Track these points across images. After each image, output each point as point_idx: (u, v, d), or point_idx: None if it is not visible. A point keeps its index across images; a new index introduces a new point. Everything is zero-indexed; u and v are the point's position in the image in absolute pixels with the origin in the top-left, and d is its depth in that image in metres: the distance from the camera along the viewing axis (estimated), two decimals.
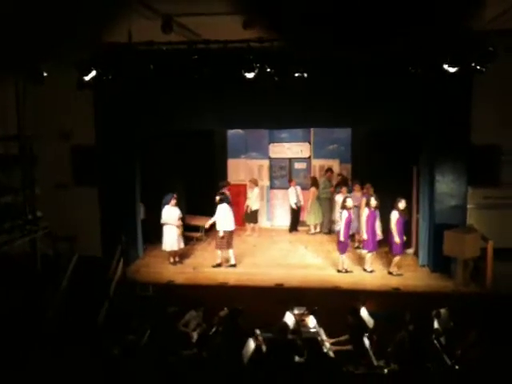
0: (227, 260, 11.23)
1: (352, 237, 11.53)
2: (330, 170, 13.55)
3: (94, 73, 7.49)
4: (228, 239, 11.05)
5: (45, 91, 9.97)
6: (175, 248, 11.31)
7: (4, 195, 8.53)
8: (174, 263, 11.39)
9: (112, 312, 9.46)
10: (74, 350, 8.17)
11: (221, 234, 10.97)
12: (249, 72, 7.32)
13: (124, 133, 10.86)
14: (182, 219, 11.58)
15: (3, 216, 8.48)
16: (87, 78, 7.54)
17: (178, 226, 11.25)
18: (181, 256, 11.55)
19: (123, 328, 8.39)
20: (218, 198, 11.27)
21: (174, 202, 11.24)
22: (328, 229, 13.43)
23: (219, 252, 11.16)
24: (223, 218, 11.02)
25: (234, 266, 11.13)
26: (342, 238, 10.53)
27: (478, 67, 7.20)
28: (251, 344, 7.59)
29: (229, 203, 11.22)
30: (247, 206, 13.34)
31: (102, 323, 9.26)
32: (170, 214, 11.17)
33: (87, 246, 10.69)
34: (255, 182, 13.50)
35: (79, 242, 10.61)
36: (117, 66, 7.48)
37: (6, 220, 8.54)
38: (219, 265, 11.14)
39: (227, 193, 11.93)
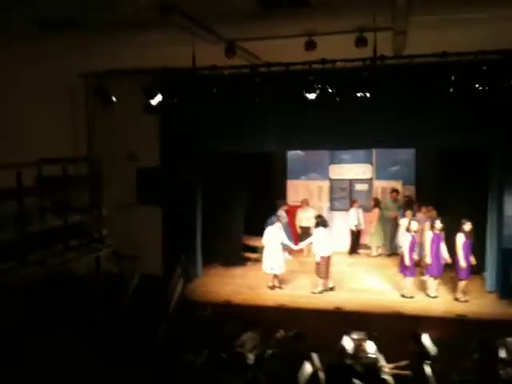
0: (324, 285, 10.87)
1: (418, 262, 11.20)
2: (395, 190, 13.29)
3: (159, 97, 7.73)
4: (326, 265, 10.70)
5: (114, 115, 10.41)
6: (277, 272, 11.07)
7: (73, 215, 8.88)
8: (273, 288, 11.06)
9: (171, 331, 9.59)
10: (134, 366, 8.33)
11: (317, 259, 10.64)
12: (310, 93, 7.34)
13: (188, 154, 11.12)
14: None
15: (71, 234, 8.83)
16: (154, 103, 7.79)
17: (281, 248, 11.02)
18: (281, 281, 11.24)
19: (181, 347, 8.48)
20: (315, 221, 11.05)
21: (278, 223, 11.14)
22: (390, 251, 13.11)
23: (320, 280, 10.76)
24: (319, 242, 10.71)
25: (332, 289, 10.82)
26: (406, 262, 10.23)
27: None
28: (308, 368, 7.49)
29: (326, 227, 10.87)
30: (301, 227, 13.22)
31: (161, 342, 9.39)
32: (273, 235, 11.01)
33: (149, 264, 10.90)
34: (307, 203, 13.40)
35: (142, 260, 10.85)
36: (181, 90, 7.69)
37: (73, 238, 8.88)
38: (321, 292, 10.75)
39: (324, 216, 11.57)
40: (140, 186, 11.67)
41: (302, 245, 11.45)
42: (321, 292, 10.75)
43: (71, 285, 9.28)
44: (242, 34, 7.12)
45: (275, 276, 11.08)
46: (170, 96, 7.74)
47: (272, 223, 11.18)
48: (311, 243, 11.08)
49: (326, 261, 10.71)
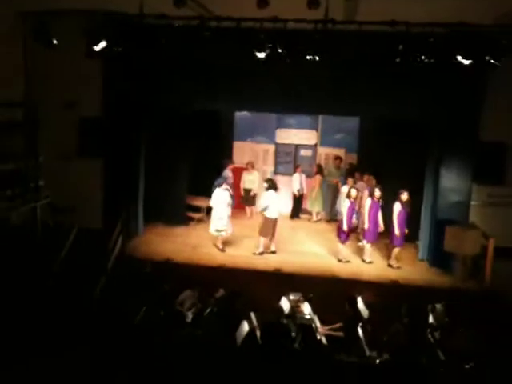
0: (267, 247, 11.04)
1: (355, 228, 11.50)
2: (338, 157, 13.48)
3: (103, 43, 7.39)
4: (272, 227, 10.82)
5: (54, 59, 9.90)
6: (223, 233, 11.09)
7: (6, 162, 8.47)
8: (219, 248, 11.11)
9: (109, 287, 9.48)
10: (69, 321, 8.20)
11: (266, 219, 10.73)
12: (260, 52, 7.22)
13: (131, 106, 10.77)
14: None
15: (4, 183, 8.45)
16: (97, 49, 7.44)
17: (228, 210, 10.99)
18: (224, 243, 11.23)
19: (119, 305, 8.40)
20: (265, 184, 11.06)
21: (225, 185, 11.07)
22: (330, 217, 13.39)
23: (262, 239, 10.93)
24: (269, 204, 10.79)
25: (274, 252, 10.98)
26: (344, 227, 10.50)
27: (492, 61, 7.08)
28: (245, 326, 7.60)
29: (276, 190, 10.94)
30: (245, 190, 13.30)
31: (99, 297, 9.28)
32: (221, 197, 10.96)
33: (88, 218, 10.65)
34: (252, 165, 13.43)
35: (80, 214, 10.58)
36: (127, 38, 7.38)
37: (7, 187, 8.50)
38: (261, 253, 10.93)
39: (274, 180, 11.60)
40: (81, 137, 11.25)
41: (260, 209, 11.42)
42: (261, 253, 10.89)
43: (5, 236, 8.96)
44: None
45: (220, 237, 11.11)
46: (115, 43, 7.41)
47: (220, 185, 11.13)
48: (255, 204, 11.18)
49: (273, 223, 10.84)
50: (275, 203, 10.85)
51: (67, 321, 8.23)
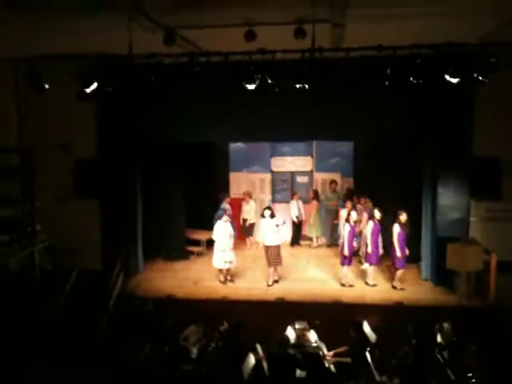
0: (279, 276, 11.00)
1: (356, 251, 11.47)
2: (334, 181, 13.53)
3: (95, 84, 7.48)
4: (277, 254, 10.77)
5: (47, 103, 10.02)
6: (228, 266, 10.98)
7: (3, 207, 8.48)
8: (225, 282, 11.00)
9: (111, 327, 9.38)
10: (72, 365, 8.10)
11: (271, 247, 10.70)
12: (250, 83, 7.32)
13: (125, 145, 10.88)
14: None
15: (2, 229, 8.44)
16: (88, 90, 7.53)
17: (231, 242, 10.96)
18: (232, 275, 11.23)
19: (122, 343, 8.30)
20: (264, 212, 11.02)
21: (226, 217, 11.04)
22: (331, 242, 13.34)
23: (271, 270, 10.84)
24: (268, 232, 10.77)
25: (276, 281, 10.91)
26: (346, 252, 10.46)
27: (480, 78, 7.19)
28: (251, 359, 7.51)
29: (273, 217, 10.85)
30: (244, 220, 13.29)
31: (101, 338, 9.17)
32: (223, 230, 10.91)
33: (87, 259, 10.63)
34: (249, 195, 13.44)
35: (79, 255, 10.53)
36: (117, 78, 7.48)
37: (4, 233, 8.49)
38: (276, 281, 10.89)
39: (271, 207, 11.53)
40: (76, 178, 11.28)
41: (258, 238, 11.40)
42: (272, 284, 10.80)
43: (4, 282, 8.89)
44: (181, 22, 7.00)
45: (227, 270, 11.03)
46: (106, 84, 7.50)
47: (220, 217, 11.11)
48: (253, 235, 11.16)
49: (277, 250, 10.79)
50: (274, 230, 10.80)
51: (71, 363, 8.12)
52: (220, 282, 11.01)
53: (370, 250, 10.56)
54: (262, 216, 10.98)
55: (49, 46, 7.60)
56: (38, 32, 7.50)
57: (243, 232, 13.38)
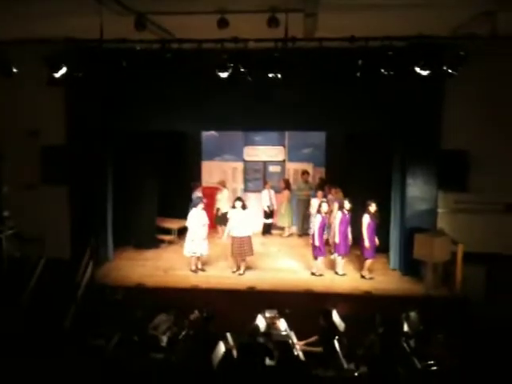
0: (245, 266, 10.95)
1: (327, 241, 11.58)
2: (306, 172, 13.58)
3: (64, 69, 7.32)
4: (248, 244, 10.75)
5: (15, 88, 9.78)
6: (199, 254, 10.96)
7: None
8: (196, 271, 10.95)
9: (80, 316, 9.28)
10: (39, 354, 8.00)
11: (243, 238, 10.67)
12: (222, 72, 7.28)
13: (96, 132, 10.69)
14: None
15: None
16: (57, 75, 7.36)
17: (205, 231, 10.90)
18: (204, 263, 11.16)
19: (91, 332, 8.23)
20: (234, 203, 10.99)
21: (202, 205, 10.96)
22: (302, 231, 13.42)
23: (243, 262, 10.84)
24: (238, 223, 10.71)
25: (241, 274, 10.85)
26: (316, 242, 10.53)
27: (450, 70, 7.29)
28: (221, 347, 7.53)
29: (244, 208, 10.84)
30: (217, 209, 13.25)
31: (69, 327, 9.07)
32: (197, 218, 10.84)
33: (56, 247, 10.45)
34: (223, 184, 13.40)
35: (48, 243, 10.34)
36: (88, 63, 7.34)
37: None
38: (242, 273, 10.84)
39: (242, 198, 11.42)
40: (45, 165, 11.06)
41: (226, 233, 11.38)
42: (242, 274, 10.81)
43: None
44: (153, 8, 6.90)
45: (198, 258, 11.00)
46: (76, 69, 7.35)
47: (195, 205, 11.04)
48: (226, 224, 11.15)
49: (247, 240, 10.77)
50: (244, 221, 10.78)
51: (39, 352, 8.02)
52: (191, 270, 10.98)
53: (337, 240, 10.66)
54: (233, 207, 10.95)
55: (18, 31, 7.41)
56: (6, 16, 7.31)
57: (216, 221, 13.35)
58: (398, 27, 7.15)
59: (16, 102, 10.67)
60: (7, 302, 9.12)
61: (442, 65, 7.35)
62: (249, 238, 10.80)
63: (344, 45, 7.26)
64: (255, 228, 13.24)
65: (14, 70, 7.50)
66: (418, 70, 7.31)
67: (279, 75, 7.45)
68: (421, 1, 6.84)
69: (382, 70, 7.51)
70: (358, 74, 7.60)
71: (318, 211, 10.70)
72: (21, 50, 7.51)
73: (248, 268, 11.03)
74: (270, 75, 7.43)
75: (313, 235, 10.70)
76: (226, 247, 11.61)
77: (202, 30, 7.01)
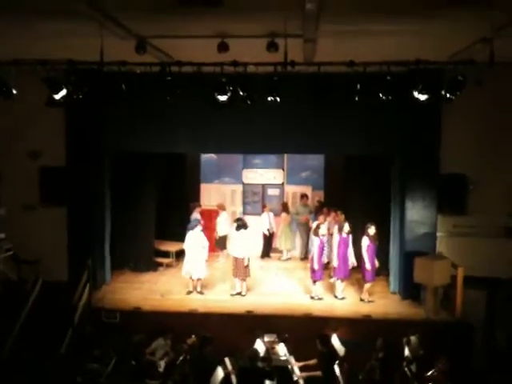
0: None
1: (327, 264, 11.52)
2: (305, 195, 13.58)
3: (64, 91, 7.36)
4: (246, 266, 10.66)
5: (15, 109, 9.82)
6: (197, 276, 10.86)
7: None
8: (190, 293, 10.86)
9: (76, 339, 9.17)
10: (36, 378, 7.88)
11: (246, 262, 10.59)
12: (221, 95, 7.32)
13: (95, 153, 10.71)
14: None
15: None
16: (57, 97, 7.41)
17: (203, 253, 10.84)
18: (202, 287, 11.04)
19: (87, 356, 8.12)
20: (235, 224, 11.00)
21: (200, 227, 10.94)
22: (304, 255, 13.34)
23: (244, 283, 10.79)
24: (239, 244, 10.68)
25: (243, 295, 10.79)
26: (315, 266, 10.46)
27: (448, 95, 7.35)
28: (220, 372, 7.44)
29: (246, 229, 10.85)
30: (216, 232, 13.21)
31: (65, 351, 8.95)
32: (195, 240, 10.79)
33: (53, 270, 10.39)
34: (222, 207, 13.38)
35: (45, 265, 10.30)
36: (87, 85, 7.38)
37: None
38: (239, 293, 10.77)
39: (244, 219, 11.54)
40: (43, 186, 11.05)
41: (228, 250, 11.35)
42: (244, 295, 10.74)
43: None
44: (154, 31, 6.97)
45: (197, 280, 10.93)
46: (76, 90, 7.40)
47: (193, 227, 11.00)
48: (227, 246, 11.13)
49: (247, 262, 10.69)
50: (245, 242, 10.73)
51: (35, 376, 7.90)
52: (187, 292, 10.90)
53: (336, 264, 10.59)
54: (236, 228, 10.91)
55: (17, 51, 7.45)
56: (6, 36, 7.37)
57: (216, 244, 13.27)
58: (396, 52, 7.21)
59: (15, 123, 10.72)
60: (3, 326, 9.00)
61: (441, 89, 7.40)
62: (248, 258, 10.73)
63: (343, 69, 7.31)
64: (255, 251, 13.23)
65: (14, 92, 7.53)
66: (416, 94, 7.36)
67: (278, 99, 7.49)
68: (418, 28, 6.93)
69: (381, 95, 7.55)
70: (357, 99, 7.64)
71: (316, 234, 10.66)
72: (21, 71, 7.54)
73: (248, 291, 10.93)
74: (269, 99, 7.47)
75: (311, 258, 10.64)
76: (225, 270, 11.55)
77: (201, 54, 7.07)
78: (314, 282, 10.65)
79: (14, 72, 7.34)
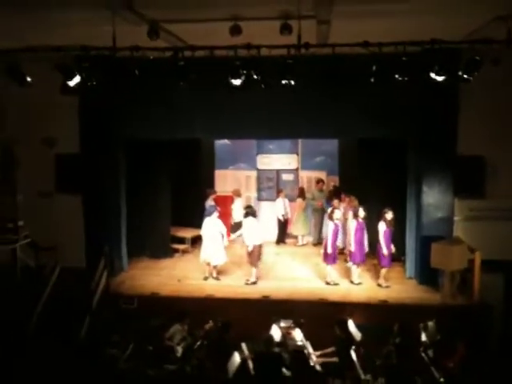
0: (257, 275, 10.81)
1: (341, 250, 11.46)
2: (321, 180, 13.50)
3: (78, 78, 7.36)
4: (258, 253, 10.68)
5: (30, 96, 9.86)
6: (216, 263, 10.90)
7: None
8: (207, 278, 10.92)
9: (94, 325, 9.26)
10: (55, 364, 7.98)
11: (250, 248, 10.58)
12: (235, 79, 7.26)
13: (109, 140, 10.74)
14: None
15: None
16: (71, 84, 7.41)
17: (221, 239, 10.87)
18: (219, 272, 11.08)
19: (105, 342, 8.20)
20: (244, 211, 11.02)
21: (217, 214, 10.96)
22: (317, 240, 13.30)
23: (254, 269, 10.73)
24: (251, 231, 10.65)
25: (254, 283, 10.72)
26: (329, 250, 10.43)
27: (465, 76, 7.21)
28: (237, 358, 7.46)
29: (255, 216, 10.87)
30: (233, 218, 13.22)
31: (84, 337, 9.05)
32: (212, 227, 10.82)
33: (70, 256, 10.47)
34: (238, 193, 13.35)
35: (62, 252, 10.38)
36: (101, 71, 7.37)
37: None
38: (254, 283, 10.70)
39: (253, 206, 11.55)
40: (59, 174, 11.12)
41: (233, 236, 11.42)
42: (255, 282, 10.70)
43: None
44: (166, 16, 6.92)
45: (214, 267, 10.96)
46: (89, 77, 7.39)
47: (210, 214, 11.01)
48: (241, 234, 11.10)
49: (258, 250, 10.69)
50: (255, 230, 10.71)
51: (54, 362, 8.00)
52: (204, 278, 10.95)
53: (353, 249, 10.54)
54: (245, 215, 10.90)
55: (32, 39, 7.47)
56: (21, 25, 7.39)
57: (232, 230, 13.28)
58: (411, 33, 7.09)
59: (30, 111, 10.78)
60: (22, 312, 9.12)
61: (458, 70, 7.27)
62: (260, 246, 10.72)
63: (357, 51, 7.21)
64: (269, 237, 13.22)
65: (28, 79, 7.55)
66: (432, 75, 7.23)
67: (292, 82, 7.41)
68: (434, 7, 6.78)
69: (396, 76, 7.43)
70: (372, 80, 7.53)
71: (330, 218, 10.60)
72: (35, 59, 7.55)
73: (262, 277, 10.93)
74: (283, 82, 7.39)
75: (325, 242, 10.59)
76: (240, 256, 11.56)
77: (214, 38, 7.01)
78: (328, 265, 10.61)
79: (29, 59, 7.34)
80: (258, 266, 10.85)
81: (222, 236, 10.92)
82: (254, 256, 10.65)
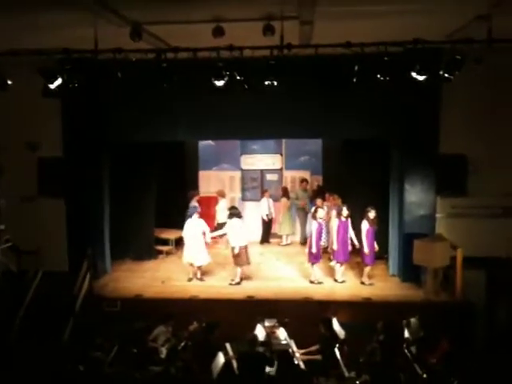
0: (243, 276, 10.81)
1: (325, 249, 11.52)
2: (305, 180, 13.55)
3: (59, 81, 7.30)
4: (245, 254, 10.66)
5: (11, 100, 9.75)
6: (199, 264, 10.89)
7: None
8: (191, 279, 10.90)
9: (78, 329, 9.19)
10: (39, 368, 7.91)
11: (236, 250, 10.55)
12: (218, 80, 7.26)
13: (92, 143, 10.65)
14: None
15: None
16: (53, 86, 7.34)
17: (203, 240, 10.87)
18: (203, 273, 11.06)
19: (89, 345, 8.14)
20: (228, 212, 11.02)
21: (197, 215, 10.95)
22: (303, 239, 13.35)
23: (239, 269, 10.72)
24: (236, 232, 10.63)
25: (238, 283, 10.71)
26: (313, 249, 10.48)
27: (446, 75, 7.30)
28: (221, 358, 7.47)
29: (240, 217, 10.87)
30: (216, 219, 13.19)
31: (67, 340, 8.98)
32: (193, 228, 10.81)
33: (53, 260, 10.40)
34: (222, 194, 13.35)
35: (44, 256, 10.28)
36: (83, 73, 7.31)
37: None
38: (238, 283, 10.69)
39: (238, 207, 11.54)
40: (41, 177, 11.01)
41: (213, 234, 11.41)
42: (239, 283, 10.71)
43: None
44: (149, 18, 6.89)
45: (198, 268, 10.94)
46: (71, 79, 7.33)
47: (191, 215, 11.00)
48: (225, 234, 11.09)
49: (244, 250, 10.69)
50: (240, 230, 10.70)
51: (36, 365, 7.93)
52: (188, 279, 10.94)
53: (335, 247, 10.61)
54: (229, 217, 10.90)
55: (13, 42, 7.39)
56: (2, 27, 7.29)
57: (215, 231, 13.23)
58: (393, 33, 7.15)
59: (12, 114, 10.65)
60: (4, 318, 9.02)
61: (439, 69, 7.35)
62: (245, 247, 10.72)
63: (340, 51, 7.25)
64: (253, 237, 13.22)
65: (9, 83, 7.46)
66: (414, 75, 7.30)
67: (275, 83, 7.43)
68: (415, 7, 6.85)
69: (378, 76, 7.49)
70: (354, 80, 7.59)
71: (314, 217, 10.66)
72: (16, 62, 7.47)
73: (247, 277, 10.94)
74: (266, 83, 7.41)
75: (310, 241, 10.64)
76: (225, 257, 11.55)
77: (197, 39, 7.00)
78: (312, 264, 10.67)
79: (9, 62, 7.26)
80: (247, 266, 10.84)
81: (204, 234, 10.90)
82: (240, 257, 10.64)
